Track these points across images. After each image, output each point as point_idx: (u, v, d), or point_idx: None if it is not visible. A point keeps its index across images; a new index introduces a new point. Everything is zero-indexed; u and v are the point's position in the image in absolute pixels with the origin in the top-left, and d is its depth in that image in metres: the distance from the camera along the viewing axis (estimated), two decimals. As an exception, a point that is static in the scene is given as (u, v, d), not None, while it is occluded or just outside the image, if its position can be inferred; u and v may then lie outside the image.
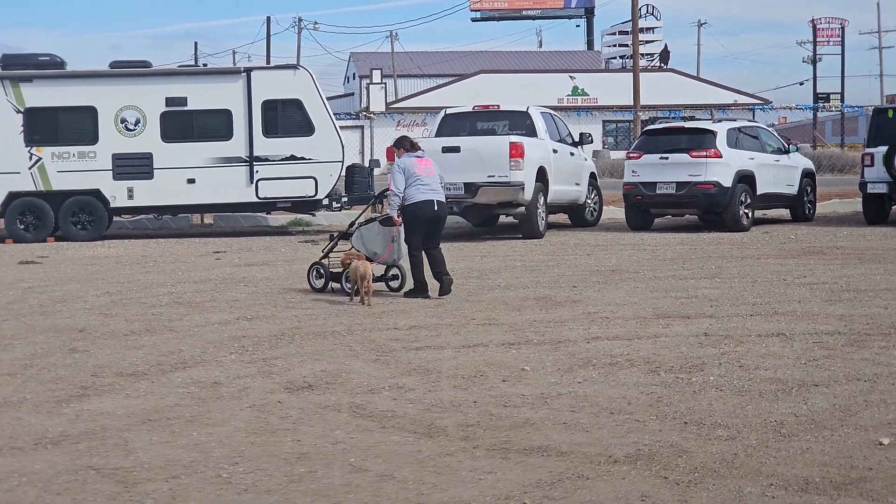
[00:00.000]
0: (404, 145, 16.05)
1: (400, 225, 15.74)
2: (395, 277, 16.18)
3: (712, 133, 25.22)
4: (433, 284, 15.56)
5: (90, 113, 26.18)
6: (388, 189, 15.87)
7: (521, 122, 25.27)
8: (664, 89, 74.37)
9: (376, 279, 15.64)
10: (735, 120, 29.37)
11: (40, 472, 7.59)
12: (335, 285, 16.14)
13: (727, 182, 24.69)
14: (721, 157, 24.73)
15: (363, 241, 16.16)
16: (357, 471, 7.50)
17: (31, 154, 25.99)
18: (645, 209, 25.93)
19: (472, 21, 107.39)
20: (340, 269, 16.08)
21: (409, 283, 15.71)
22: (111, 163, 26.08)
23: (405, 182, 15.58)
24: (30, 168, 25.96)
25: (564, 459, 7.60)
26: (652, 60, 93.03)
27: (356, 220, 16.98)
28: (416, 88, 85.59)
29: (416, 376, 10.33)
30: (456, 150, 23.62)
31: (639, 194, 25.35)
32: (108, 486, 7.29)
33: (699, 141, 25.10)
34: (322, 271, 16.39)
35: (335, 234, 17.14)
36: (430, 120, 50.51)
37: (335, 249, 16.65)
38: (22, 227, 26.03)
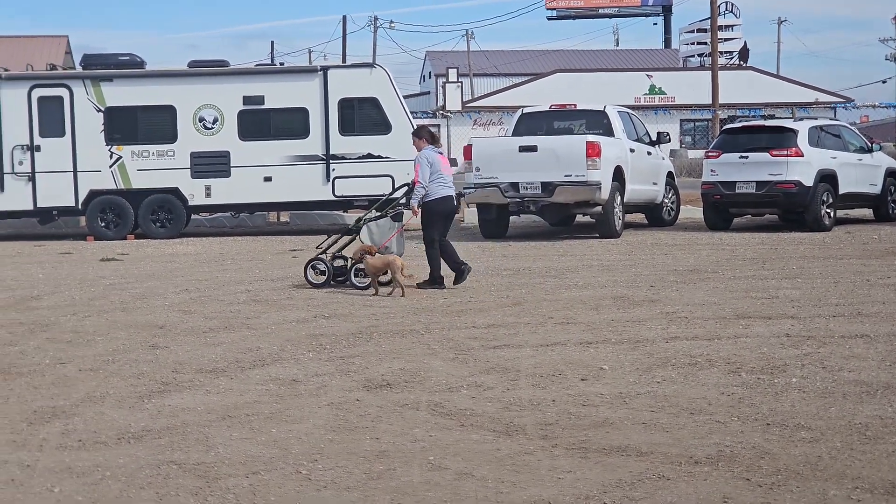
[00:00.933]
0: (425, 136, 16.52)
1: (416, 216, 16.37)
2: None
3: (793, 132, 24.97)
4: (448, 274, 16.28)
5: (169, 112, 26.39)
6: (413, 181, 16.39)
7: (598, 122, 25.18)
8: (743, 87, 73.78)
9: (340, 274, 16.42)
10: (816, 118, 29.06)
11: (123, 467, 7.64)
12: (359, 282, 16.36)
13: (809, 181, 24.44)
14: (802, 156, 24.48)
15: (371, 236, 16.49)
16: (436, 469, 7.48)
17: (112, 153, 26.24)
18: (724, 209, 25.72)
19: (549, 20, 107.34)
20: (346, 264, 16.52)
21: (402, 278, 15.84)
22: (189, 161, 26.28)
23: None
24: (110, 166, 26.21)
25: (644, 460, 7.54)
26: (731, 58, 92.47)
27: (364, 216, 17.19)
28: (492, 87, 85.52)
29: (495, 375, 10.30)
30: (533, 149, 23.57)
31: (718, 194, 25.15)
32: (189, 480, 7.33)
33: (780, 140, 24.86)
34: (326, 267, 16.53)
35: (338, 230, 17.38)
36: (507, 119, 50.44)
37: (327, 246, 16.87)
38: (103, 224, 26.28)
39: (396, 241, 16.63)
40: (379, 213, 16.93)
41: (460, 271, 16.22)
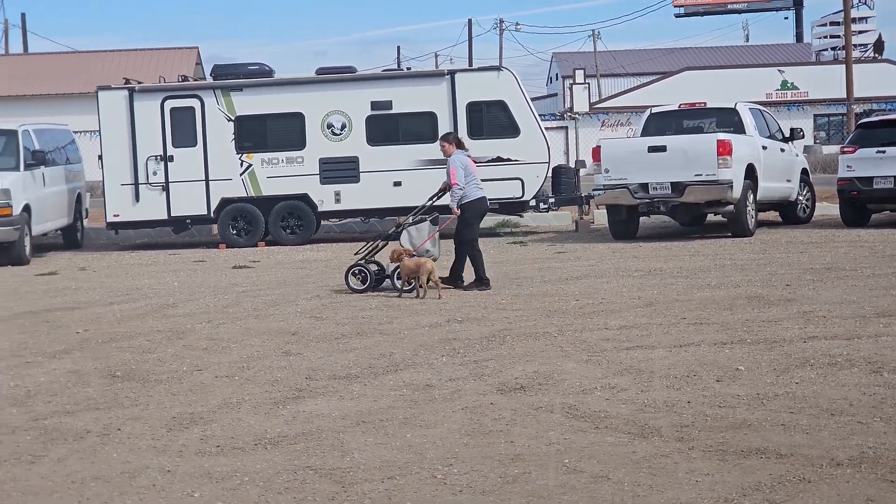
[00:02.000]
0: (455, 141, 17.19)
1: (456, 217, 16.84)
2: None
3: (932, 124, 24.43)
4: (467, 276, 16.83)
5: (298, 119, 26.59)
6: (448, 185, 16.94)
7: (728, 119, 24.88)
8: (879, 81, 72.47)
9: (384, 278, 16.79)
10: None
11: (261, 472, 7.71)
12: (400, 285, 16.54)
13: (949, 174, 23.87)
14: (942, 148, 23.92)
15: (412, 239, 16.86)
16: (571, 472, 7.44)
17: (242, 161, 26.51)
18: (861, 205, 25.24)
19: (676, 17, 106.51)
20: (378, 269, 16.86)
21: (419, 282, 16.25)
22: (318, 167, 26.45)
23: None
24: (241, 174, 26.48)
25: (784, 462, 7.42)
26: (865, 51, 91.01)
27: (403, 221, 17.47)
28: (620, 87, 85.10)
29: (629, 376, 10.23)
30: (662, 149, 23.38)
31: (854, 189, 24.71)
32: (326, 485, 7.37)
33: (918, 133, 24.34)
34: (366, 273, 16.81)
35: (378, 237, 17.58)
36: (635, 119, 50.12)
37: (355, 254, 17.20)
38: (234, 232, 26.57)
39: (433, 244, 17.01)
40: (418, 219, 17.27)
41: (460, 280, 16.81)
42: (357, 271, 16.91)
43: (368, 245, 17.58)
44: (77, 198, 27.61)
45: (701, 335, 12.10)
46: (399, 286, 16.46)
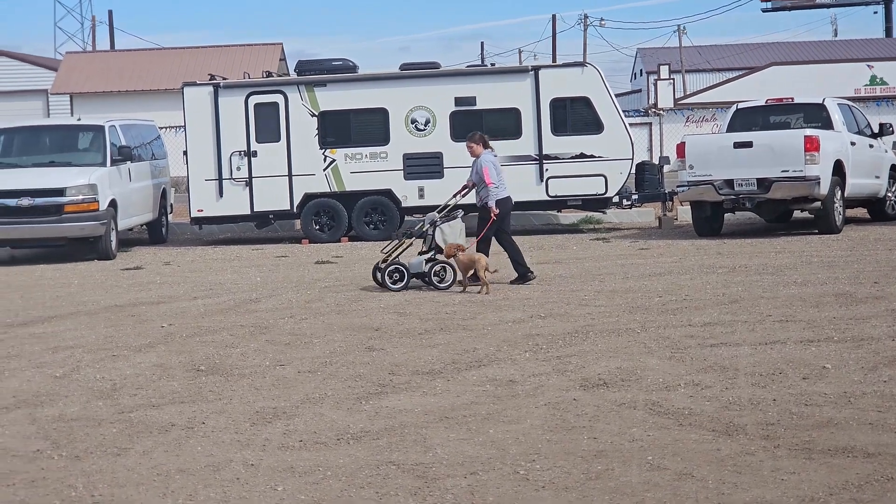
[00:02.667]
0: (482, 141, 17.55)
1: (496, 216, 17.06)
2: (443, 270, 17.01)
3: None
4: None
5: (381, 114, 26.62)
6: (473, 183, 17.43)
7: (816, 115, 24.63)
8: (973, 75, 71.34)
9: (419, 275, 16.86)
10: None
11: (344, 467, 7.73)
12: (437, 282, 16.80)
13: None
14: None
15: (445, 237, 16.90)
16: (655, 469, 7.39)
17: (325, 156, 26.58)
18: (953, 201, 24.90)
19: (763, 12, 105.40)
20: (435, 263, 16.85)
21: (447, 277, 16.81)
22: (402, 163, 26.48)
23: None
24: (324, 170, 26.56)
25: (872, 461, 7.33)
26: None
27: (439, 213, 17.51)
28: (705, 83, 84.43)
29: (713, 373, 10.14)
30: (748, 145, 23.16)
31: (944, 186, 24.36)
32: (408, 480, 7.37)
33: None
34: (403, 271, 16.88)
35: (402, 235, 17.66)
36: (720, 115, 49.65)
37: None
38: (317, 227, 26.64)
39: (464, 240, 17.09)
40: (448, 215, 17.33)
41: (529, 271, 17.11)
42: (392, 270, 16.93)
43: (395, 242, 17.72)
44: (162, 193, 27.86)
45: (787, 333, 11.98)
46: (439, 284, 16.71)
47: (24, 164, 24.49)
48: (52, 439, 8.81)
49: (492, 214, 17.08)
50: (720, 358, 10.80)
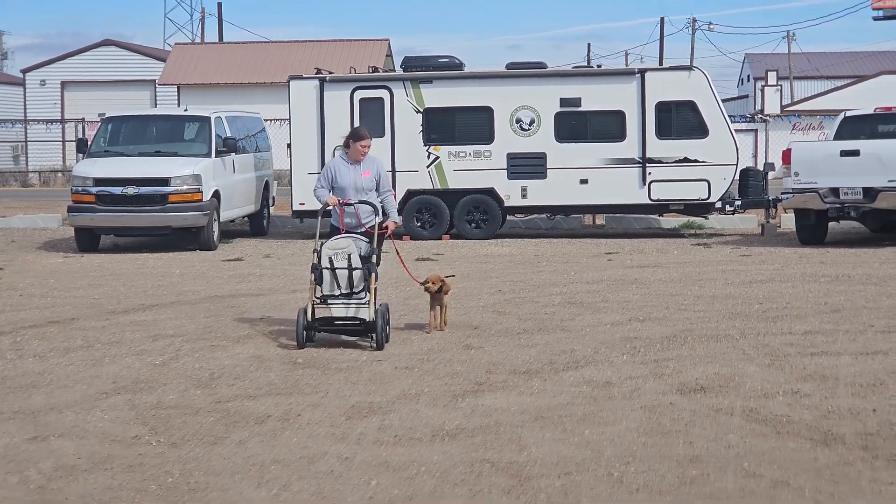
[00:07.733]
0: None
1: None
2: None
3: None
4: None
5: (486, 113, 26.62)
6: None
7: (926, 124, 24.28)
8: None
9: None
10: None
11: (438, 463, 7.75)
12: None
13: None
14: None
15: None
16: (751, 476, 7.33)
17: (429, 153, 26.63)
18: None
19: (874, 20, 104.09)
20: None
21: None
22: (506, 162, 26.45)
23: None
24: (427, 167, 26.61)
25: (973, 476, 7.21)
26: None
27: None
28: (813, 90, 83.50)
29: (812, 382, 10.04)
30: (855, 153, 22.88)
31: None
32: (502, 479, 7.38)
33: None
34: None
35: None
36: (827, 123, 49.10)
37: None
38: (418, 224, 26.70)
39: None
40: None
41: None
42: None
43: None
44: (265, 185, 28.10)
45: (889, 343, 11.82)
46: None
47: (131, 153, 24.81)
48: (150, 426, 8.93)
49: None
50: (820, 367, 10.68)
